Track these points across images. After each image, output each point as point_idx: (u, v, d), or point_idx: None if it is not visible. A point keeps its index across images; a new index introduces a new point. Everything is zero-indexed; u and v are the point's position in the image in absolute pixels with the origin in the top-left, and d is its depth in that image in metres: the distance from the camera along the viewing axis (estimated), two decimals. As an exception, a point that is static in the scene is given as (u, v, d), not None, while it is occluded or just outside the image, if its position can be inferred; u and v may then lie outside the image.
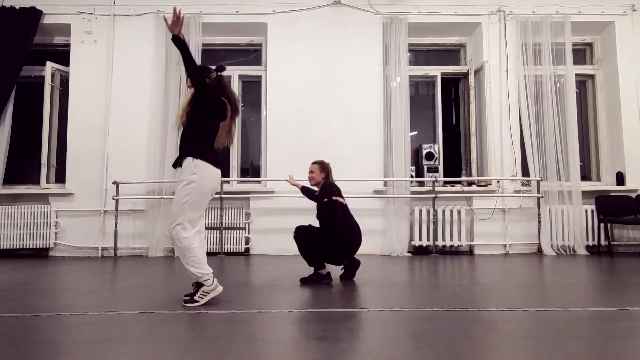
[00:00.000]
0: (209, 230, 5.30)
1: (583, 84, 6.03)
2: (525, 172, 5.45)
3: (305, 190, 4.02)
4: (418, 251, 5.38)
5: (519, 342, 1.98)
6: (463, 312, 2.49)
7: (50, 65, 5.56)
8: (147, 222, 5.31)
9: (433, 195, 5.29)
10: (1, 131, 5.33)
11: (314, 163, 3.76)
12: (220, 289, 2.72)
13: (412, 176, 5.48)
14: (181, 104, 2.88)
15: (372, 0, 5.59)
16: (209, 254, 5.32)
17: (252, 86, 5.95)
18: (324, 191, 3.53)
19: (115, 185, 5.25)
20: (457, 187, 5.54)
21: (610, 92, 5.73)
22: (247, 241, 5.35)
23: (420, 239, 5.31)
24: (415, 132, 6.14)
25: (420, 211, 5.34)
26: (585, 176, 5.84)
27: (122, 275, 4.06)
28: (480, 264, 4.55)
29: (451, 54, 6.19)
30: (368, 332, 2.14)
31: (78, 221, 5.35)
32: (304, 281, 3.37)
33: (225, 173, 5.68)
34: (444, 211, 5.32)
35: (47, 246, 5.28)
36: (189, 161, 2.66)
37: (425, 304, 2.66)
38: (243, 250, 5.31)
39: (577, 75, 5.72)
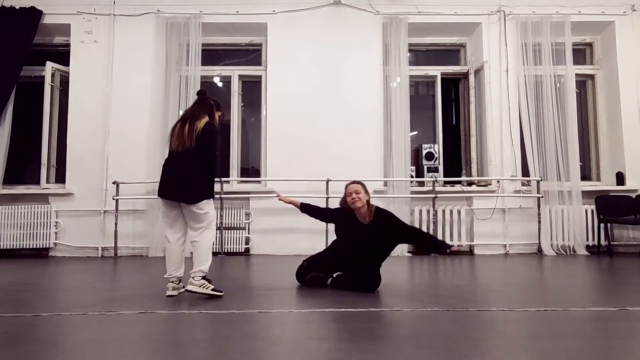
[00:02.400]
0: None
1: (583, 84, 6.03)
2: (525, 172, 5.45)
3: (308, 209, 3.46)
4: (418, 251, 5.37)
5: (519, 342, 1.98)
6: (463, 312, 2.49)
7: (50, 65, 5.56)
8: (147, 222, 5.31)
9: (433, 195, 5.29)
10: (1, 131, 5.32)
11: (354, 183, 3.21)
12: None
13: (412, 176, 5.48)
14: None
15: (372, 0, 5.59)
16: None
17: (252, 86, 5.95)
18: (393, 220, 3.14)
19: (115, 185, 5.25)
20: (457, 187, 5.54)
21: (610, 92, 5.73)
22: (247, 241, 5.35)
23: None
24: (415, 132, 6.14)
25: (420, 211, 5.34)
26: (585, 176, 5.84)
27: (122, 275, 4.06)
28: (480, 264, 4.54)
29: (451, 54, 6.19)
30: (368, 332, 2.14)
31: (78, 221, 5.35)
32: (309, 279, 3.26)
33: (225, 173, 5.69)
34: (444, 211, 5.32)
35: (47, 246, 5.28)
36: None
37: (425, 304, 2.66)
38: (243, 250, 5.31)
39: (577, 75, 5.72)
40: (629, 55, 5.59)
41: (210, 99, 3.20)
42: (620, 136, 5.54)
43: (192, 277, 2.87)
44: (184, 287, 3.00)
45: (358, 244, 3.15)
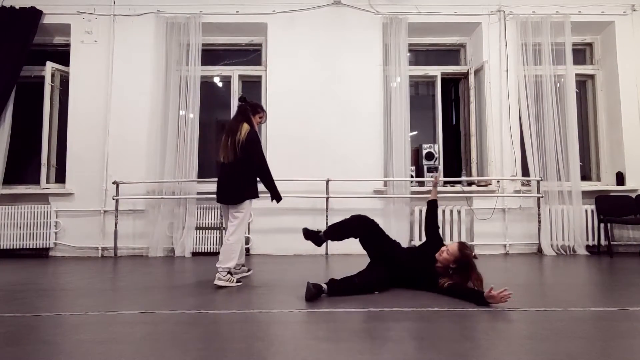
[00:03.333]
0: (209, 230, 5.31)
1: (583, 84, 6.03)
2: (525, 172, 5.45)
3: (433, 205, 3.56)
4: (419, 248, 5.37)
5: (519, 342, 1.98)
6: (463, 312, 2.49)
7: (50, 65, 5.56)
8: (147, 222, 5.31)
9: (433, 195, 5.28)
10: (1, 131, 5.32)
11: (464, 248, 2.96)
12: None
13: (412, 176, 5.48)
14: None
15: (372, 0, 5.59)
16: (208, 253, 5.36)
17: (252, 86, 5.94)
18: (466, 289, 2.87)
19: (115, 185, 5.25)
20: (457, 187, 5.54)
21: (610, 92, 5.73)
22: (247, 241, 5.35)
23: (420, 239, 5.31)
24: (415, 132, 6.14)
25: (421, 211, 5.33)
26: (585, 176, 5.84)
27: (122, 275, 4.06)
28: (480, 264, 4.51)
29: (451, 54, 6.19)
30: (368, 331, 2.14)
31: (78, 221, 5.35)
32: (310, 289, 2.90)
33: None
34: (444, 211, 5.32)
35: (47, 246, 5.28)
36: None
37: (425, 304, 2.66)
38: (243, 250, 5.31)
39: (577, 75, 5.72)
40: (629, 55, 5.59)
41: (247, 104, 3.55)
42: (620, 136, 5.54)
43: (219, 272, 3.34)
44: (248, 269, 3.75)
45: (412, 266, 3.12)
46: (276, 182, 5.44)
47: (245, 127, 3.42)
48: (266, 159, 3.55)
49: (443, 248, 3.05)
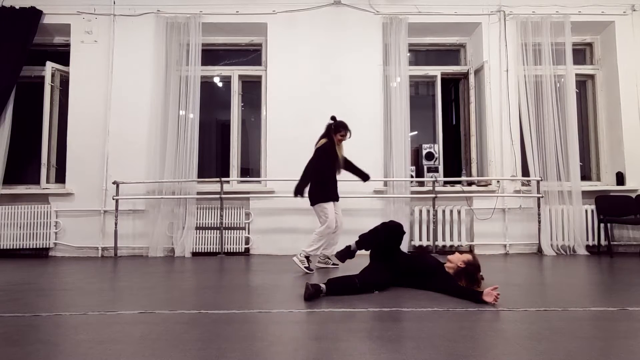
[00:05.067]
0: (209, 230, 5.31)
1: (583, 84, 6.03)
2: (525, 172, 5.45)
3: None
4: (418, 251, 5.37)
5: (519, 342, 1.98)
6: (463, 312, 2.49)
7: (50, 65, 5.56)
8: (147, 222, 5.32)
9: (433, 195, 5.29)
10: (1, 131, 5.33)
11: (469, 255, 3.09)
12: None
13: (412, 176, 5.48)
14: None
15: (372, 0, 5.59)
16: (208, 253, 5.36)
17: (252, 86, 5.95)
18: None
19: (115, 185, 5.25)
20: (457, 187, 5.54)
21: (610, 92, 5.74)
22: (247, 241, 5.35)
23: (420, 239, 5.31)
24: (415, 132, 6.14)
25: (420, 211, 5.34)
26: (585, 176, 5.84)
27: (122, 275, 4.06)
28: (480, 264, 4.53)
29: (451, 54, 6.19)
30: (368, 332, 2.14)
31: (78, 221, 5.35)
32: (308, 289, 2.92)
33: (225, 173, 5.70)
34: (444, 211, 5.32)
35: (47, 246, 5.28)
36: None
37: (426, 304, 2.66)
38: (243, 250, 5.31)
39: (577, 75, 5.73)
40: (629, 55, 5.59)
41: (332, 123, 4.08)
42: (620, 136, 5.54)
43: (300, 253, 3.94)
44: (333, 263, 4.10)
45: (421, 267, 3.15)
46: (275, 182, 5.49)
47: (321, 141, 4.02)
48: (322, 170, 4.02)
49: (456, 253, 3.18)
